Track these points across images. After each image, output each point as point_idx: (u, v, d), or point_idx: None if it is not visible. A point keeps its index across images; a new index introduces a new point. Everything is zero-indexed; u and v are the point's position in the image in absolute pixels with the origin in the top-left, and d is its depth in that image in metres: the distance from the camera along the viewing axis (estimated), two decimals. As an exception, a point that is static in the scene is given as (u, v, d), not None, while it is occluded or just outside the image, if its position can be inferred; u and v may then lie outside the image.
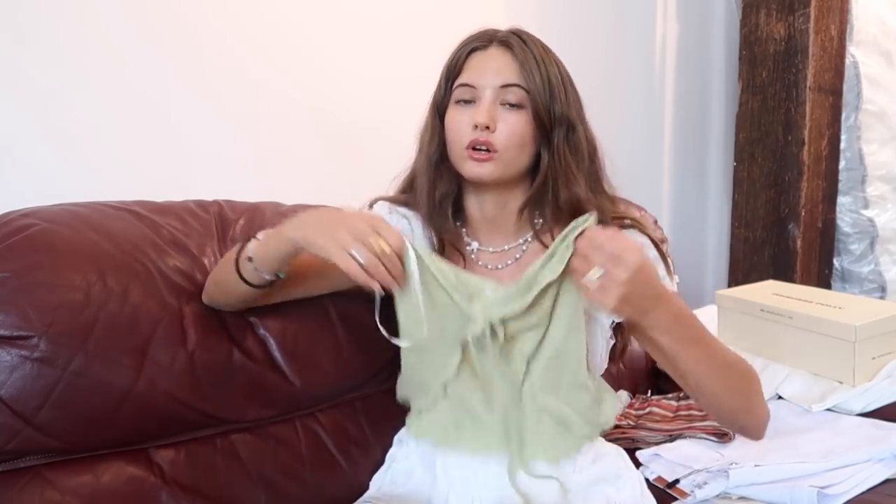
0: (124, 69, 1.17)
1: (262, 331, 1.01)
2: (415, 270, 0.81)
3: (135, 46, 1.18)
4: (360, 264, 0.74)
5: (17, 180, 1.08)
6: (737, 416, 0.86)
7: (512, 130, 0.87)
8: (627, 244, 0.73)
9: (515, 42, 0.89)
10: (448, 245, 0.96)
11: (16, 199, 0.97)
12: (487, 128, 0.86)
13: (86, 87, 1.14)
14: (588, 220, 0.78)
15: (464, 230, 0.98)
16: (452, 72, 0.92)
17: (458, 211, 0.98)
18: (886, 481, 1.04)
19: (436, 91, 0.94)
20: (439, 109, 0.93)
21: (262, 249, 0.84)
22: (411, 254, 0.81)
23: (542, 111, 0.88)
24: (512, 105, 0.87)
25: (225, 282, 0.91)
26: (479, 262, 0.96)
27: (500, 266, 0.95)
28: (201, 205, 1.09)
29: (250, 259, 0.84)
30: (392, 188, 1.03)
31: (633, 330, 0.84)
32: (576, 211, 0.90)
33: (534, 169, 0.92)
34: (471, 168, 0.88)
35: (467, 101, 0.89)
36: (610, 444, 1.01)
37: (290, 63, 1.36)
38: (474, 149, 0.87)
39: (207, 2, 1.26)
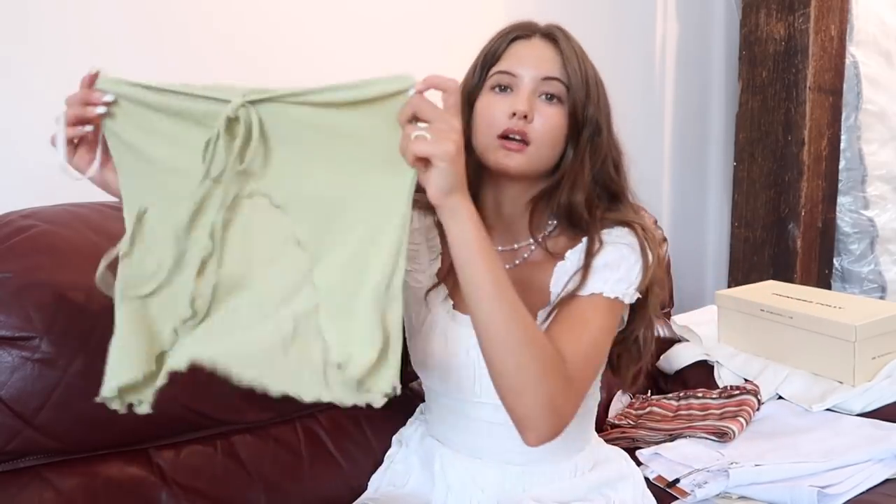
0: (126, 70, 1.17)
1: (262, 331, 1.01)
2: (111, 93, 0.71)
3: (137, 48, 1.18)
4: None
5: (17, 181, 1.08)
6: (510, 386, 0.75)
7: (550, 124, 0.84)
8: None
9: (560, 36, 0.87)
10: None
11: (16, 199, 0.97)
12: (525, 117, 0.83)
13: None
14: (409, 86, 0.69)
15: None
16: (490, 59, 0.88)
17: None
18: (886, 481, 1.04)
19: (466, 77, 0.90)
20: (469, 97, 0.89)
21: None
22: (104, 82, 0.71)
23: (578, 109, 0.85)
24: (550, 98, 0.85)
25: None
26: None
27: (507, 266, 0.92)
28: (201, 205, 1.09)
29: None
30: None
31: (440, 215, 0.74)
32: (570, 217, 0.88)
33: (556, 168, 0.89)
34: (500, 158, 0.84)
35: (503, 89, 0.85)
36: (610, 448, 1.01)
37: (290, 63, 1.36)
38: (507, 138, 0.83)
39: (209, 2, 1.26)
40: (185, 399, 0.94)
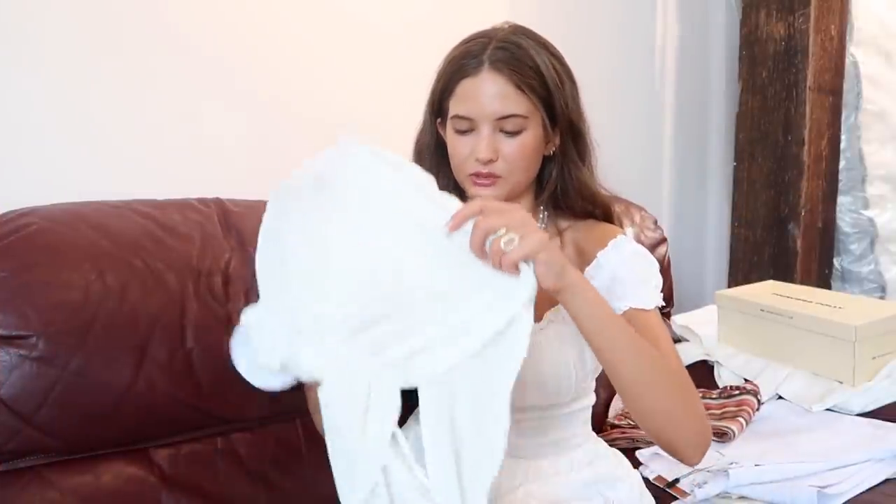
0: (123, 70, 1.17)
1: (261, 330, 1.01)
2: None
3: (135, 49, 1.18)
4: None
5: (15, 180, 1.08)
6: (667, 422, 0.78)
7: (514, 157, 0.85)
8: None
9: (506, 62, 0.83)
10: None
11: (13, 198, 0.97)
12: (490, 160, 0.84)
13: (81, 89, 1.14)
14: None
15: None
16: (446, 91, 0.88)
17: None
18: (886, 481, 1.04)
19: (431, 103, 0.91)
20: (435, 113, 0.91)
21: None
22: None
23: (544, 125, 0.86)
24: (511, 133, 0.85)
25: None
26: None
27: None
28: (202, 201, 1.09)
29: None
30: None
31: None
32: (590, 203, 0.92)
33: (543, 169, 0.92)
34: (476, 192, 0.87)
35: (465, 132, 0.86)
36: (607, 447, 1.00)
37: (281, 64, 1.35)
38: (478, 174, 0.86)
39: (202, 4, 1.26)
40: (185, 397, 0.94)
